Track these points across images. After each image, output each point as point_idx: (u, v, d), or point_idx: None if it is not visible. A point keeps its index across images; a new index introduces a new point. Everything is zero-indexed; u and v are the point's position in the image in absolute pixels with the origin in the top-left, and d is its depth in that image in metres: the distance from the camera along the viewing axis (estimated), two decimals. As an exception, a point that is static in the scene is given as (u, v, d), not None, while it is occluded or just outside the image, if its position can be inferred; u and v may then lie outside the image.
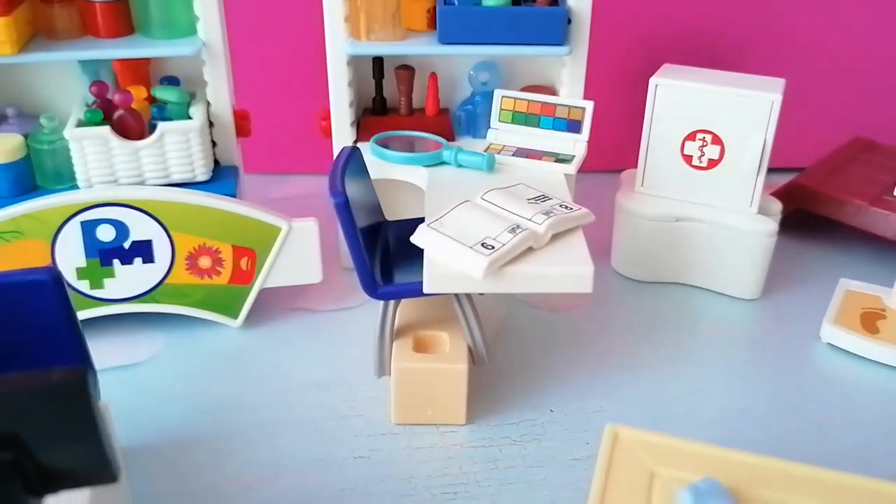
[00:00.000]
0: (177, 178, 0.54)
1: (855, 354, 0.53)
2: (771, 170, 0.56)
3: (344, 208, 0.43)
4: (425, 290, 0.44)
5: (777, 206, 0.59)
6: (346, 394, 0.50)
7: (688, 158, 0.57)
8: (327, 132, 0.58)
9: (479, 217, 0.46)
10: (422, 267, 0.46)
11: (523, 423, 0.48)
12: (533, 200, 0.47)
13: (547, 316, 0.57)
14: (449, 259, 0.43)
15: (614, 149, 0.66)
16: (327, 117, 0.57)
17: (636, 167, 0.60)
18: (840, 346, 0.54)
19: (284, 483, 0.43)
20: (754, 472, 0.37)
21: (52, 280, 0.39)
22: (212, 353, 0.53)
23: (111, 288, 0.53)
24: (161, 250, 0.53)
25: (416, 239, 0.45)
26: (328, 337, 0.55)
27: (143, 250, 0.52)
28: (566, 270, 0.43)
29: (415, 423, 0.47)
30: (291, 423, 0.47)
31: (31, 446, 0.26)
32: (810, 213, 0.65)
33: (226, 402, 0.49)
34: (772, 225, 0.57)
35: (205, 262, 0.53)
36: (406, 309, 0.49)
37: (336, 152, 0.58)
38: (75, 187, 0.54)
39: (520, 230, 0.44)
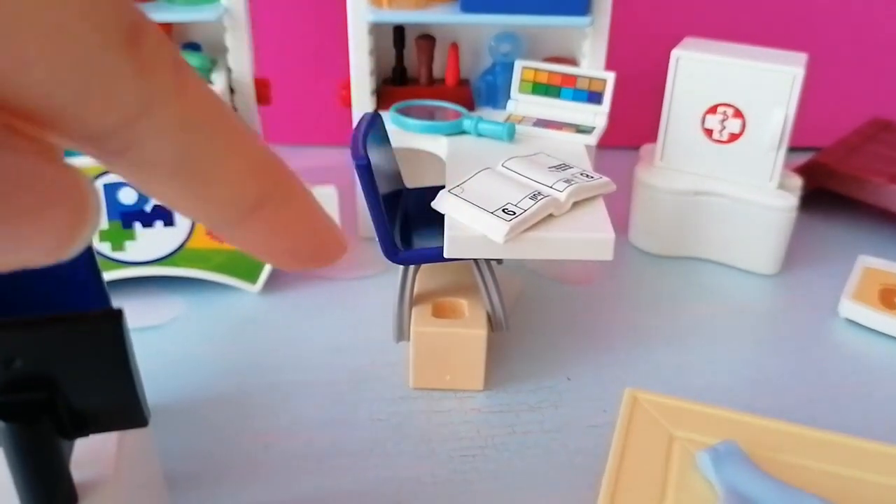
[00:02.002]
0: (198, 143, 0.54)
1: (872, 330, 0.53)
2: (790, 149, 0.56)
3: (366, 171, 0.43)
4: (446, 255, 0.44)
5: (797, 182, 0.59)
6: (364, 359, 0.50)
7: (708, 132, 0.57)
8: (347, 101, 0.58)
9: (500, 184, 0.46)
10: (441, 234, 0.46)
11: (540, 390, 0.48)
12: (554, 168, 0.47)
13: (564, 289, 0.57)
14: (470, 224, 0.44)
15: (633, 124, 0.66)
16: (347, 86, 0.58)
17: (655, 142, 0.60)
18: (858, 322, 0.54)
19: (303, 441, 0.44)
20: (772, 436, 0.37)
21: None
22: (231, 317, 0.54)
23: (132, 250, 0.53)
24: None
25: (437, 204, 0.45)
26: (346, 304, 0.55)
27: (165, 214, 0.53)
28: (587, 237, 0.43)
29: (433, 389, 0.47)
30: (310, 384, 0.48)
31: (65, 387, 0.26)
32: (829, 191, 0.65)
33: (246, 363, 0.50)
34: (792, 200, 0.56)
35: (225, 226, 0.53)
36: (425, 276, 0.50)
37: (356, 121, 0.58)
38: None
39: (541, 197, 0.44)
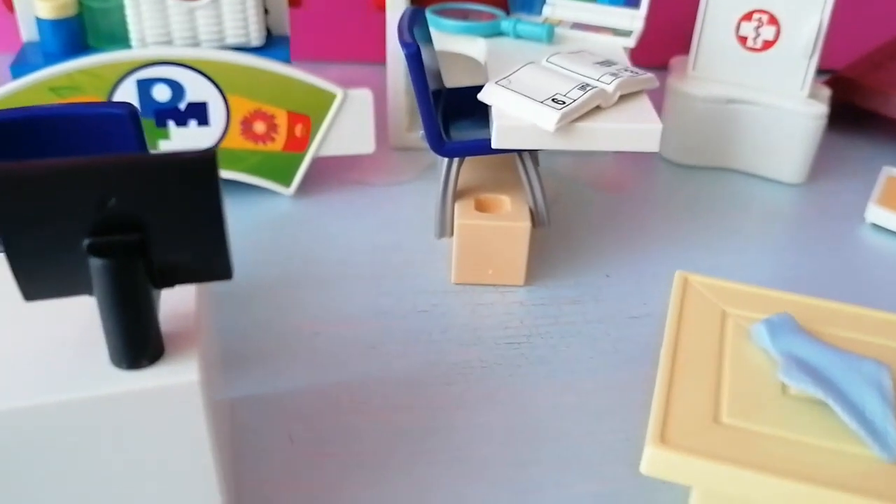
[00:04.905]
0: (231, 40, 0.53)
1: (899, 234, 0.54)
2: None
3: (415, 59, 0.43)
4: (494, 146, 0.44)
5: (826, 93, 0.59)
6: (404, 256, 0.50)
7: (742, 40, 0.57)
8: (381, 4, 0.57)
9: (547, 76, 0.46)
10: (483, 131, 0.46)
11: (580, 285, 0.48)
12: (599, 63, 0.47)
13: (597, 195, 0.58)
14: (519, 114, 0.44)
15: (662, 42, 0.66)
16: (380, -12, 0.57)
17: (685, 55, 0.60)
18: (885, 227, 0.55)
19: (350, 331, 0.44)
20: (823, 313, 0.38)
21: (128, 114, 0.39)
22: (267, 217, 0.54)
23: (165, 149, 0.53)
24: (216, 113, 0.52)
25: (484, 96, 0.45)
26: (382, 207, 0.55)
27: (199, 112, 0.52)
28: (636, 127, 0.44)
29: (474, 283, 0.48)
30: (352, 278, 0.48)
31: (156, 231, 0.26)
32: (854, 107, 0.65)
33: (288, 257, 0.50)
34: (822, 108, 0.57)
35: (259, 127, 0.53)
36: (465, 174, 0.50)
37: (388, 28, 0.57)
38: (128, 48, 0.53)
39: (589, 88, 0.44)
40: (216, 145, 0.53)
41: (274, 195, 0.55)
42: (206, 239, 0.27)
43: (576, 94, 0.44)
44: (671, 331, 0.36)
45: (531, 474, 0.36)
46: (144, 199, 0.25)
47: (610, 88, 0.45)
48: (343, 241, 0.52)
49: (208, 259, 0.28)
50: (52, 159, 0.24)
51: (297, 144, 0.54)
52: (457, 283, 0.48)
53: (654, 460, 0.30)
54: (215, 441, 0.29)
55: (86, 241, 0.25)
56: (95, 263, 0.25)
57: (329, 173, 0.58)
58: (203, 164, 0.25)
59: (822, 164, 0.61)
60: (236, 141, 0.53)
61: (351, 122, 0.54)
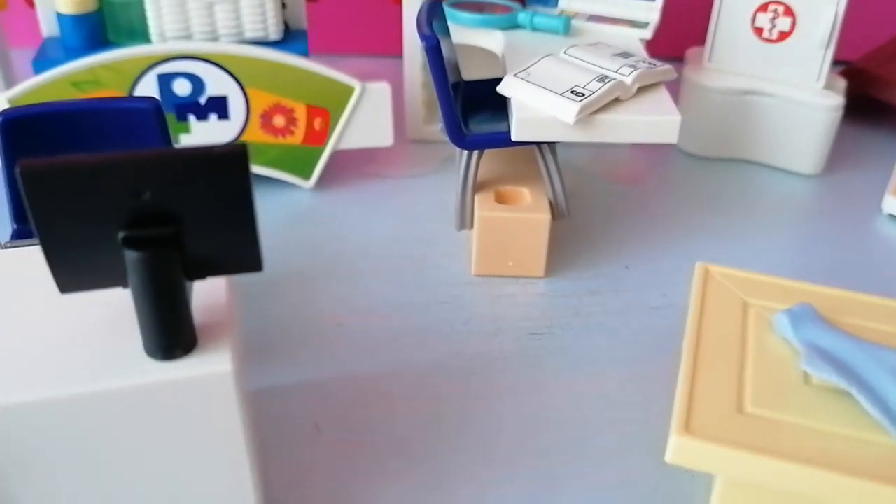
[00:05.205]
0: (249, 35, 0.54)
1: (917, 225, 0.54)
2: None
3: (434, 51, 0.43)
4: (514, 138, 0.44)
5: (842, 84, 0.59)
6: (424, 248, 0.51)
7: (758, 31, 0.57)
8: (397, -3, 0.57)
9: (566, 68, 0.46)
10: (502, 123, 0.46)
11: (600, 277, 0.49)
12: (616, 55, 0.47)
13: (614, 187, 0.58)
14: (538, 106, 0.44)
15: (678, 33, 0.66)
16: (396, -18, 0.57)
17: (700, 46, 0.60)
18: (903, 218, 0.55)
19: (372, 322, 0.44)
20: (845, 303, 0.38)
21: (153, 109, 0.39)
22: (287, 210, 0.54)
23: (186, 144, 0.53)
24: (236, 107, 0.53)
25: (503, 88, 0.45)
26: (401, 199, 0.56)
27: (219, 106, 0.53)
28: (655, 119, 0.44)
29: (495, 275, 0.48)
30: (373, 270, 0.49)
31: (189, 224, 0.26)
32: (869, 99, 0.65)
33: (308, 249, 0.50)
34: (838, 99, 0.57)
35: (279, 120, 0.53)
36: (484, 167, 0.50)
37: (405, 21, 0.58)
38: (148, 43, 0.53)
39: (608, 80, 0.44)
40: (236, 139, 0.53)
41: (294, 188, 0.56)
42: (237, 232, 0.27)
43: (595, 85, 0.44)
44: (693, 321, 0.37)
45: (553, 464, 0.37)
46: (177, 192, 0.26)
47: (628, 80, 0.45)
48: (363, 234, 0.52)
49: (239, 251, 0.28)
50: (85, 154, 0.25)
51: (317, 138, 0.54)
52: (477, 275, 0.48)
53: (680, 449, 0.31)
54: (248, 430, 0.29)
55: (121, 235, 0.26)
56: (131, 256, 0.26)
57: (348, 166, 0.58)
58: (234, 158, 0.26)
59: (838, 156, 0.61)
60: (256, 134, 0.54)
61: (369, 115, 0.54)
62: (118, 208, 0.26)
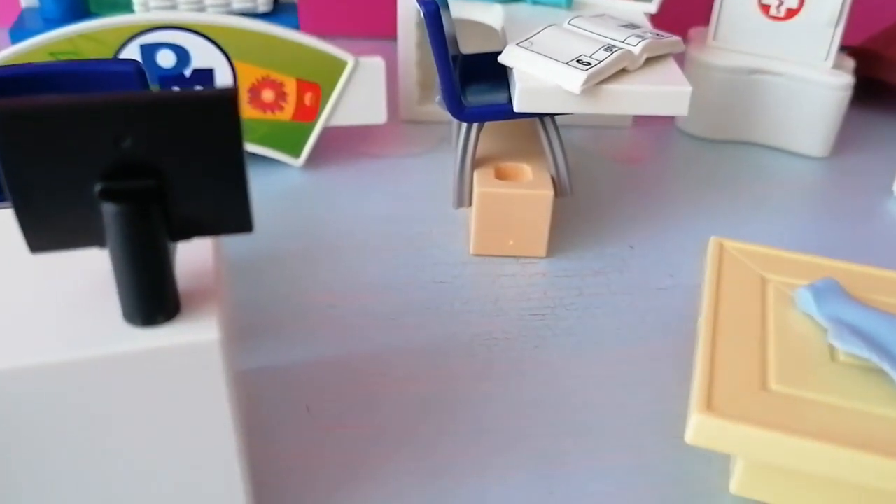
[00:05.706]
0: (237, 5, 0.51)
1: (928, 207, 0.53)
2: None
3: (434, 17, 0.41)
4: (516, 109, 0.42)
5: (850, 63, 0.57)
6: (420, 228, 0.48)
7: (765, 8, 0.55)
8: (391, -29, 0.55)
9: (570, 38, 0.44)
10: (502, 96, 0.44)
11: (604, 257, 0.47)
12: (623, 26, 0.45)
13: (615, 167, 0.56)
14: (542, 76, 0.42)
15: (680, 12, 0.64)
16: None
17: (704, 25, 0.58)
18: (913, 200, 0.53)
19: (367, 302, 0.42)
20: (864, 279, 0.36)
21: (135, 71, 0.37)
22: (277, 189, 0.52)
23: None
24: (223, 80, 0.50)
25: (505, 58, 0.43)
26: (395, 178, 0.53)
27: (205, 79, 0.50)
28: (664, 90, 0.42)
29: (494, 255, 0.46)
30: (366, 250, 0.46)
31: (174, 178, 0.24)
32: (876, 81, 0.64)
33: (299, 229, 0.48)
34: (847, 78, 0.55)
35: (268, 95, 0.51)
36: (483, 143, 0.48)
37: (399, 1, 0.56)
38: (130, 13, 0.51)
39: (615, 49, 0.42)
40: (223, 114, 0.51)
41: (283, 166, 0.53)
42: (225, 186, 0.25)
43: (601, 55, 0.42)
44: (710, 297, 0.35)
45: (560, 445, 0.34)
46: (161, 140, 0.23)
47: (636, 50, 0.43)
48: (355, 213, 0.50)
49: (228, 209, 0.26)
50: (61, 95, 0.22)
51: (307, 114, 0.52)
52: (475, 255, 0.46)
53: (701, 428, 0.29)
54: (235, 407, 0.27)
55: (98, 186, 0.23)
56: (108, 209, 0.23)
57: (339, 145, 0.56)
58: (224, 104, 0.23)
59: (845, 139, 0.59)
60: (244, 110, 0.51)
61: (362, 90, 0.52)
62: (96, 157, 0.23)
